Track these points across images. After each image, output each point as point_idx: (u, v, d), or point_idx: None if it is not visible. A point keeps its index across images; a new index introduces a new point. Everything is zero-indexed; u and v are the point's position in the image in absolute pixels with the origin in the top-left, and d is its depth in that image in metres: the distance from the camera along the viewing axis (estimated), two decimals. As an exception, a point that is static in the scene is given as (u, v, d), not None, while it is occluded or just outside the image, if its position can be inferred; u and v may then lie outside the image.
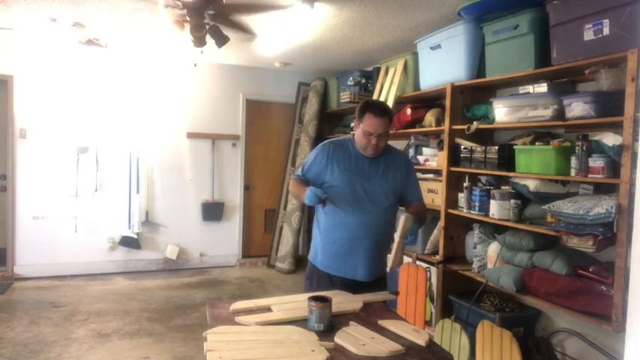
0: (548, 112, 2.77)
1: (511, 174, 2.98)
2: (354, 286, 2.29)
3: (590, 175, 2.49)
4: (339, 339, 1.72)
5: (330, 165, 2.33)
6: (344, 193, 2.30)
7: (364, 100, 2.43)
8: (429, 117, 3.95)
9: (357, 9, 3.50)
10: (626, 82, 2.29)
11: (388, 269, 2.20)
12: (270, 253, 6.18)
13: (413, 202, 2.45)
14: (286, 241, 5.90)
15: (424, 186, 3.89)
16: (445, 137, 3.58)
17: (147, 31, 4.41)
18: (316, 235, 2.44)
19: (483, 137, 3.49)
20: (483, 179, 3.47)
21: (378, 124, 2.25)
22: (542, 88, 2.87)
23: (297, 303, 2.03)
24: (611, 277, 2.36)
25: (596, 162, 2.45)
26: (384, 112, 2.28)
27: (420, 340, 1.74)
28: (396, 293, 2.57)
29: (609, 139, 2.42)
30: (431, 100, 4.21)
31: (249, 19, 3.85)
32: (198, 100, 5.87)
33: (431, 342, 1.78)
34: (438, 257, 3.62)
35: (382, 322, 1.90)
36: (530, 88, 2.96)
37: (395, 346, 1.67)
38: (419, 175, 4.01)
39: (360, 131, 2.29)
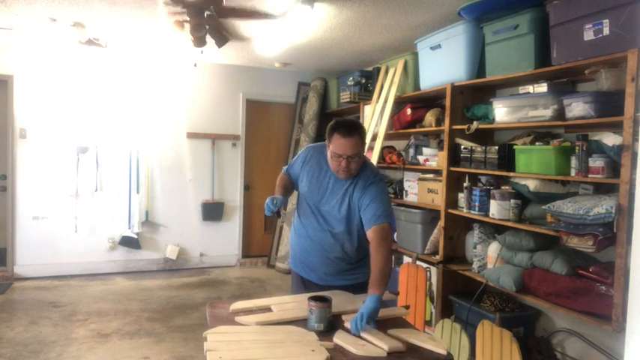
0: (548, 112, 2.77)
1: (511, 174, 2.98)
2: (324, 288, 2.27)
3: (590, 175, 2.49)
4: (339, 339, 1.72)
5: (302, 172, 2.32)
6: (304, 205, 2.33)
7: (334, 119, 2.20)
8: (429, 117, 3.95)
9: (357, 9, 3.50)
10: (626, 82, 2.28)
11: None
12: (270, 253, 6.18)
13: (370, 225, 2.08)
14: (286, 241, 5.90)
15: (424, 186, 3.90)
16: (445, 137, 3.58)
17: (147, 31, 4.41)
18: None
19: (483, 137, 3.49)
20: (483, 179, 3.47)
21: (346, 145, 2.05)
22: (542, 88, 2.87)
23: (297, 303, 2.03)
24: (611, 277, 2.36)
25: (596, 162, 2.45)
26: (352, 131, 2.06)
27: (440, 348, 1.69)
28: (396, 293, 2.57)
29: (609, 139, 2.42)
30: (431, 100, 4.20)
31: (248, 21, 3.86)
32: (198, 100, 5.87)
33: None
34: (438, 257, 3.62)
35: (392, 332, 1.81)
36: (530, 88, 2.96)
37: (395, 343, 1.67)
38: (419, 175, 4.02)
39: (329, 153, 2.14)
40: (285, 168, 2.48)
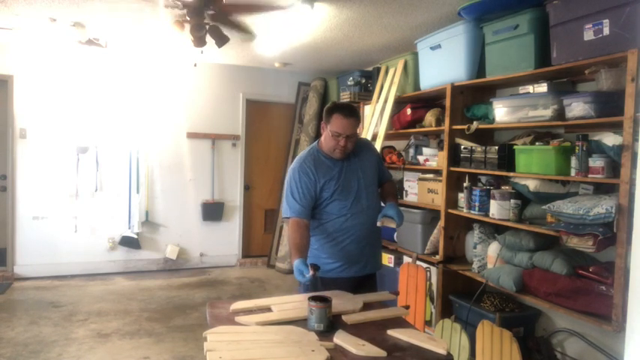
0: (548, 112, 2.77)
1: (511, 174, 2.98)
2: (359, 282, 2.37)
3: (590, 175, 2.49)
4: (339, 339, 1.72)
5: (320, 182, 2.31)
6: (343, 201, 2.33)
7: (331, 102, 2.42)
8: (429, 117, 3.95)
9: (357, 9, 3.50)
10: (626, 82, 2.28)
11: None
12: (270, 253, 6.18)
13: (384, 181, 2.60)
14: (286, 241, 5.90)
15: (424, 186, 3.90)
16: (445, 137, 3.58)
17: (147, 31, 4.41)
18: (313, 247, 2.37)
19: (483, 137, 3.49)
20: (483, 179, 3.47)
21: (347, 124, 2.26)
22: (542, 88, 2.87)
23: (297, 303, 2.03)
24: (611, 277, 2.36)
25: (596, 162, 2.45)
26: (352, 113, 2.29)
27: (440, 348, 1.68)
28: (396, 293, 2.57)
29: (609, 139, 2.42)
30: (431, 100, 4.20)
31: (249, 19, 3.85)
32: (198, 100, 5.87)
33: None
34: (438, 257, 3.62)
35: (392, 332, 1.82)
36: (530, 88, 2.96)
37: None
38: (419, 175, 4.03)
39: (328, 133, 2.29)
40: (293, 212, 2.29)
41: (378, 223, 2.35)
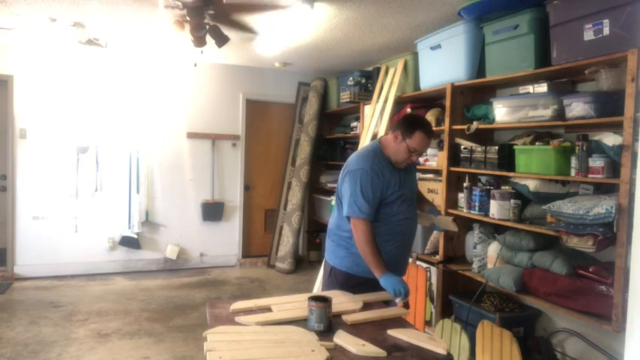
0: (548, 112, 2.77)
1: (511, 174, 2.98)
2: None
3: (590, 175, 2.49)
4: (339, 339, 1.72)
5: (386, 182, 2.32)
6: (400, 205, 2.36)
7: (410, 116, 2.43)
8: (429, 117, 3.94)
9: (357, 9, 3.50)
10: (626, 82, 2.28)
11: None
12: (270, 253, 6.18)
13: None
14: (286, 241, 5.91)
15: (424, 186, 3.91)
16: (445, 137, 3.58)
17: (147, 31, 4.41)
18: (351, 248, 2.39)
19: (483, 137, 3.49)
20: (483, 179, 3.47)
21: (427, 143, 2.32)
22: (542, 88, 2.87)
23: (297, 303, 2.03)
24: (611, 277, 2.36)
25: (596, 162, 2.46)
26: (432, 132, 2.32)
27: (440, 348, 1.69)
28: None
29: (609, 139, 2.42)
30: (431, 100, 4.21)
31: (249, 19, 3.86)
32: (198, 100, 5.87)
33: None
34: (438, 257, 3.62)
35: (392, 332, 1.83)
36: (530, 88, 2.96)
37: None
38: (419, 175, 4.03)
39: (405, 146, 2.28)
40: (364, 212, 2.25)
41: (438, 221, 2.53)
